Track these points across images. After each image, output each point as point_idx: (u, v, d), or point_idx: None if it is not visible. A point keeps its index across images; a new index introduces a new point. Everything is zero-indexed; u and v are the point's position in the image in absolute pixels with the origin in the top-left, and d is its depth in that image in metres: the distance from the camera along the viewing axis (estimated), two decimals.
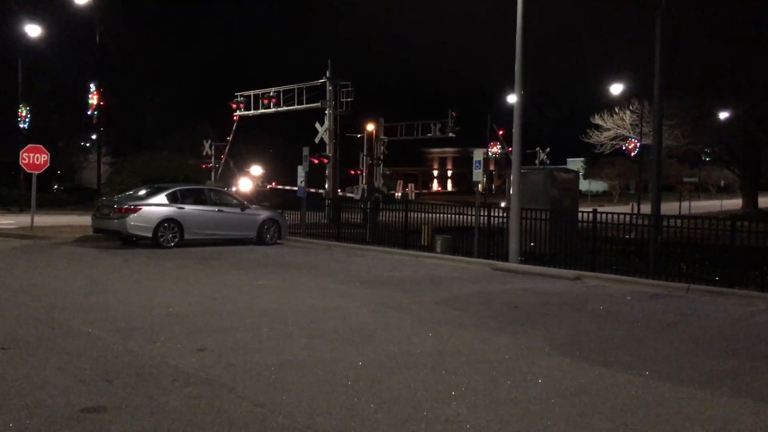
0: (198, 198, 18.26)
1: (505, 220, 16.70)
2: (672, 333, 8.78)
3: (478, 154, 16.58)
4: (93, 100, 31.51)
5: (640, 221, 16.34)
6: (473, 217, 17.32)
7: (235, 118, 39.04)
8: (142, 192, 18.10)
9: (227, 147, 41.86)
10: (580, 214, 15.17)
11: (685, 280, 12.91)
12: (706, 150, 53.95)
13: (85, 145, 60.70)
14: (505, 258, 15.85)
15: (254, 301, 10.03)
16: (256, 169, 53.40)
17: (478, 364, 6.80)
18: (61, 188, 54.92)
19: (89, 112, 31.87)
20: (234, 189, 46.41)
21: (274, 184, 44.34)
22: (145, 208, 16.88)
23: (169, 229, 17.01)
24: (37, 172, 21.64)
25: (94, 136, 60.15)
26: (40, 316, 8.44)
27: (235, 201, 19.26)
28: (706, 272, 13.24)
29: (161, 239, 16.86)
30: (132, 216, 16.68)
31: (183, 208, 17.42)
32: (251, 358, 6.72)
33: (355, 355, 6.99)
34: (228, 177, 46.25)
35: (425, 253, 17.10)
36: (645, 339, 8.35)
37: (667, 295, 12.04)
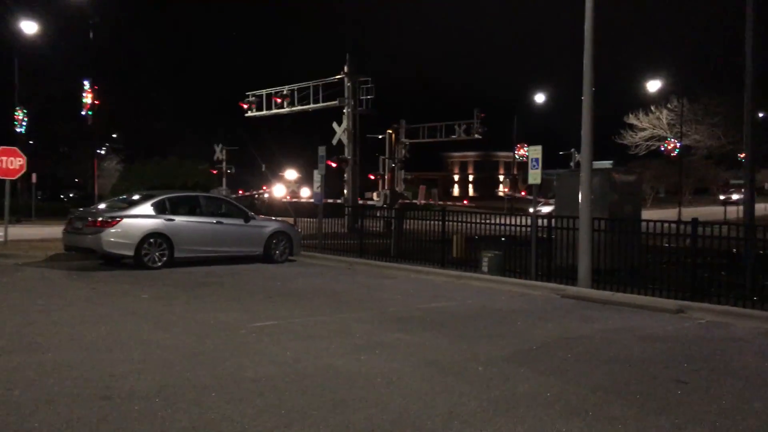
0: (192, 207, 15.14)
1: (555, 230, 13.66)
2: None
3: (535, 151, 13.30)
4: (87, 98, 28.59)
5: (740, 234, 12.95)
6: (514, 227, 14.37)
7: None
8: (127, 200, 15.07)
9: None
10: (674, 226, 11.86)
11: None
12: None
13: (98, 152, 58.75)
14: (569, 279, 12.65)
15: (246, 359, 6.87)
16: (291, 173, 50.35)
17: None
18: (72, 196, 52.64)
19: (83, 112, 28.97)
20: (267, 196, 43.67)
21: (288, 197, 41.53)
22: (125, 221, 13.80)
23: (155, 246, 13.93)
24: (11, 178, 18.76)
25: (108, 144, 57.82)
26: None
27: (237, 211, 16.07)
28: None
29: (146, 258, 13.79)
30: (109, 230, 13.59)
31: (173, 220, 14.34)
32: None
33: None
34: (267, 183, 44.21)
35: (469, 274, 13.87)
36: None
37: None
